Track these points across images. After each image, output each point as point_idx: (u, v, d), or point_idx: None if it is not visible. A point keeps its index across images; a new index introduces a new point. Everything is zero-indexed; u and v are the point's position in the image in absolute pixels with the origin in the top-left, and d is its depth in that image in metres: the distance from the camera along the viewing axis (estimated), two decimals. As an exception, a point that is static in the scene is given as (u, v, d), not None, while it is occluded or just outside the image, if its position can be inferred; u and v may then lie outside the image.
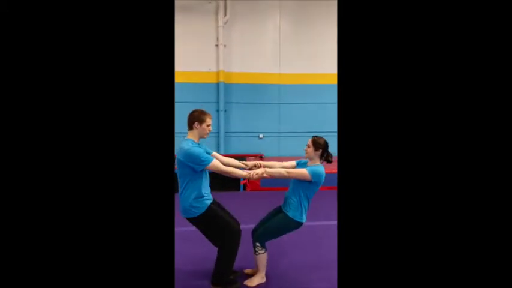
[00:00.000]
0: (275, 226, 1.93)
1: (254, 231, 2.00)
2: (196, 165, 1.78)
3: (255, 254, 1.94)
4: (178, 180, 1.85)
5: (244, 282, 1.96)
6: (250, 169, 2.02)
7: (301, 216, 1.90)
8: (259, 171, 1.84)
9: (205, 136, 1.91)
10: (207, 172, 1.91)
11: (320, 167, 1.90)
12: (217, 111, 6.23)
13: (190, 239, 2.39)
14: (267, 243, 1.97)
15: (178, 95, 6.83)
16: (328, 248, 2.42)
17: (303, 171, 1.85)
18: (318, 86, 6.39)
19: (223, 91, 6.18)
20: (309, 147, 1.94)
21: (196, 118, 1.87)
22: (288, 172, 1.85)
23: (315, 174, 1.84)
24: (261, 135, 6.44)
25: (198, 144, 1.89)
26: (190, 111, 1.92)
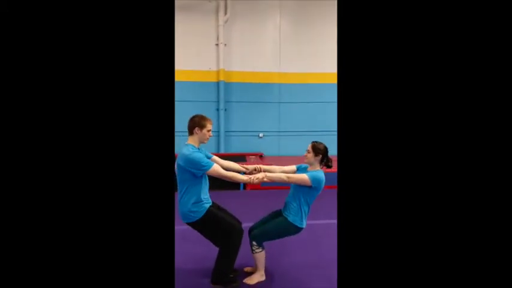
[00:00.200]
0: (274, 229, 1.93)
1: (251, 230, 2.01)
2: (197, 170, 1.79)
3: (252, 252, 1.95)
4: (178, 185, 1.86)
5: (244, 281, 1.97)
6: (250, 173, 2.03)
7: (301, 221, 1.91)
8: (260, 175, 1.84)
9: (205, 141, 1.92)
10: (207, 177, 1.92)
11: (320, 172, 1.91)
12: (218, 110, 6.23)
13: (190, 237, 2.40)
14: (267, 242, 1.98)
15: (178, 94, 6.82)
16: (328, 246, 2.42)
17: (303, 177, 1.86)
18: (318, 85, 6.39)
19: (224, 90, 6.18)
20: (308, 152, 1.95)
21: (196, 123, 1.88)
22: (288, 177, 1.85)
23: (315, 180, 1.85)
24: (261, 134, 6.45)
25: (198, 149, 1.90)
26: (191, 116, 1.93)
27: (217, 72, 6.22)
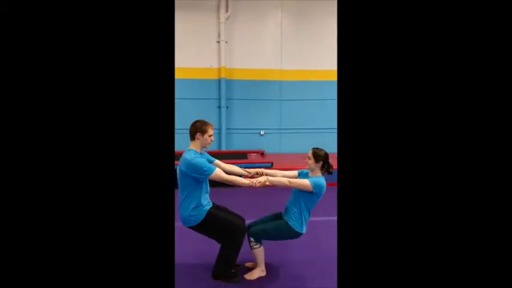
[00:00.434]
0: (274, 230, 1.95)
1: (250, 226, 2.03)
2: (199, 175, 1.82)
3: (250, 248, 1.97)
4: (179, 190, 1.89)
5: (245, 276, 1.99)
6: (252, 177, 2.05)
7: (302, 227, 1.94)
8: (262, 179, 1.86)
9: (207, 146, 1.95)
10: (208, 182, 1.95)
11: (321, 179, 1.93)
12: (219, 107, 6.24)
13: (192, 233, 2.41)
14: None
15: (180, 92, 6.80)
16: (328, 243, 2.44)
17: (305, 182, 1.87)
18: (320, 83, 6.38)
19: (225, 87, 6.18)
20: (309, 159, 1.96)
21: (198, 129, 1.90)
22: (290, 182, 1.87)
23: (316, 186, 1.87)
24: (262, 132, 6.45)
25: (201, 154, 1.93)
26: (192, 122, 1.96)
27: (219, 69, 6.22)
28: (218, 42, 6.16)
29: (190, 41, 6.07)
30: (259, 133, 6.45)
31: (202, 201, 1.87)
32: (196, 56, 6.18)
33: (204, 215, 1.86)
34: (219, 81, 6.22)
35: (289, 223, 1.91)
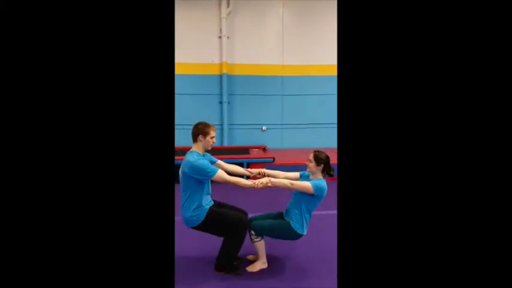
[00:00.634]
0: (276, 229, 1.98)
1: (251, 220, 2.05)
2: (202, 176, 1.86)
3: (251, 241, 2.01)
4: (181, 192, 1.92)
5: (247, 268, 2.02)
6: (254, 177, 2.08)
7: (302, 229, 1.97)
8: (264, 180, 1.88)
9: (209, 148, 1.98)
10: (209, 183, 1.99)
11: (323, 181, 1.95)
12: (221, 103, 6.25)
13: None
14: None
15: (181, 87, 6.79)
16: (329, 236, 2.47)
17: (307, 184, 1.90)
18: (322, 78, 6.36)
19: (227, 83, 6.19)
20: (310, 162, 1.98)
21: (200, 131, 1.93)
22: (291, 183, 1.89)
23: (317, 188, 1.89)
24: (264, 127, 6.47)
25: (203, 156, 1.96)
26: (194, 124, 1.99)
27: (220, 65, 6.22)
28: (220, 37, 6.15)
29: (192, 36, 6.07)
30: (261, 128, 6.47)
31: (203, 202, 1.91)
32: (197, 52, 6.17)
33: (205, 214, 1.90)
34: (221, 76, 6.22)
35: (291, 224, 1.95)
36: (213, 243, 2.07)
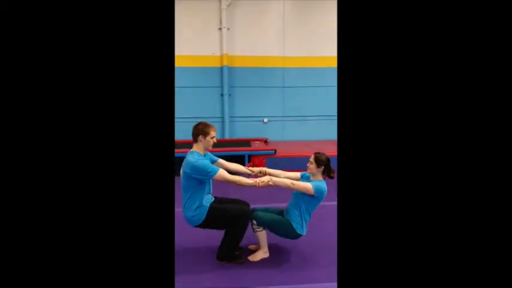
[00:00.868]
0: (277, 225, 2.01)
1: (254, 210, 2.07)
2: (203, 176, 1.88)
3: (253, 231, 2.04)
4: (182, 192, 1.95)
5: (248, 257, 2.06)
6: (255, 176, 2.10)
7: (302, 229, 1.99)
8: (265, 179, 1.90)
9: (210, 147, 1.99)
10: (211, 183, 2.01)
11: (323, 183, 1.97)
12: (222, 95, 6.23)
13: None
14: None
15: (182, 80, 6.74)
16: (330, 227, 2.50)
17: (307, 185, 1.91)
18: (323, 69, 6.31)
19: (227, 75, 6.16)
20: (311, 163, 1.99)
21: (200, 131, 1.94)
22: (293, 183, 1.91)
23: (318, 190, 1.92)
24: (265, 120, 6.46)
25: (204, 155, 1.98)
26: (195, 124, 2.00)
27: (221, 57, 6.18)
28: (220, 29, 6.09)
29: (192, 28, 6.02)
30: (263, 121, 6.46)
31: (204, 202, 1.94)
32: (198, 44, 6.13)
33: (206, 212, 1.93)
34: (221, 68, 6.19)
35: (292, 223, 1.97)
36: (214, 232, 2.10)
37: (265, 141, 5.86)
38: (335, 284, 1.23)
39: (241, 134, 6.36)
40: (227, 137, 6.19)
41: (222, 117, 6.24)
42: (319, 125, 6.42)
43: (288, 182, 1.92)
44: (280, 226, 2.01)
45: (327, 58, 6.24)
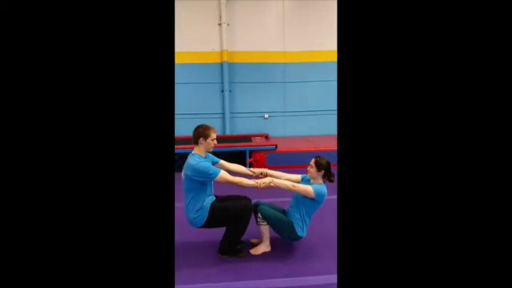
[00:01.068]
0: (279, 223, 2.02)
1: (258, 203, 2.09)
2: (205, 178, 1.90)
3: (257, 224, 2.06)
4: (184, 194, 1.96)
5: (250, 251, 2.08)
6: (256, 177, 2.11)
7: (302, 231, 2.02)
8: (267, 180, 1.91)
9: (210, 149, 2.01)
10: (212, 185, 2.03)
11: (323, 187, 1.99)
12: (222, 91, 6.23)
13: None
14: None
15: (182, 76, 6.73)
16: (330, 221, 2.53)
17: (308, 188, 1.93)
18: (324, 64, 6.28)
19: (228, 71, 6.15)
20: (311, 167, 2.01)
21: (201, 134, 1.95)
22: (294, 185, 1.93)
23: (318, 194, 1.93)
24: (266, 115, 6.46)
25: (205, 157, 1.99)
26: (195, 126, 2.01)
27: (221, 53, 6.16)
28: (219, 24, 6.07)
29: (191, 24, 5.99)
30: (263, 116, 6.46)
31: (205, 203, 1.95)
32: (197, 40, 6.11)
33: (207, 213, 1.94)
34: (222, 64, 6.17)
35: (294, 225, 1.99)
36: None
37: (266, 137, 5.87)
38: (335, 276, 1.25)
39: (242, 129, 6.36)
40: (228, 133, 6.20)
41: (223, 113, 6.25)
42: (320, 120, 6.42)
43: (289, 184, 1.93)
44: (281, 225, 2.03)
45: (328, 52, 6.20)
